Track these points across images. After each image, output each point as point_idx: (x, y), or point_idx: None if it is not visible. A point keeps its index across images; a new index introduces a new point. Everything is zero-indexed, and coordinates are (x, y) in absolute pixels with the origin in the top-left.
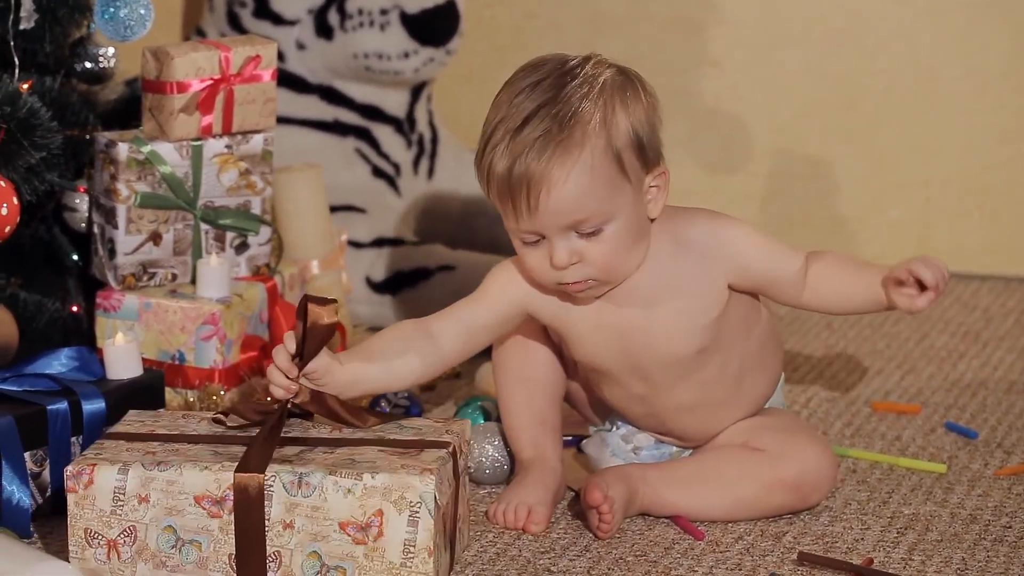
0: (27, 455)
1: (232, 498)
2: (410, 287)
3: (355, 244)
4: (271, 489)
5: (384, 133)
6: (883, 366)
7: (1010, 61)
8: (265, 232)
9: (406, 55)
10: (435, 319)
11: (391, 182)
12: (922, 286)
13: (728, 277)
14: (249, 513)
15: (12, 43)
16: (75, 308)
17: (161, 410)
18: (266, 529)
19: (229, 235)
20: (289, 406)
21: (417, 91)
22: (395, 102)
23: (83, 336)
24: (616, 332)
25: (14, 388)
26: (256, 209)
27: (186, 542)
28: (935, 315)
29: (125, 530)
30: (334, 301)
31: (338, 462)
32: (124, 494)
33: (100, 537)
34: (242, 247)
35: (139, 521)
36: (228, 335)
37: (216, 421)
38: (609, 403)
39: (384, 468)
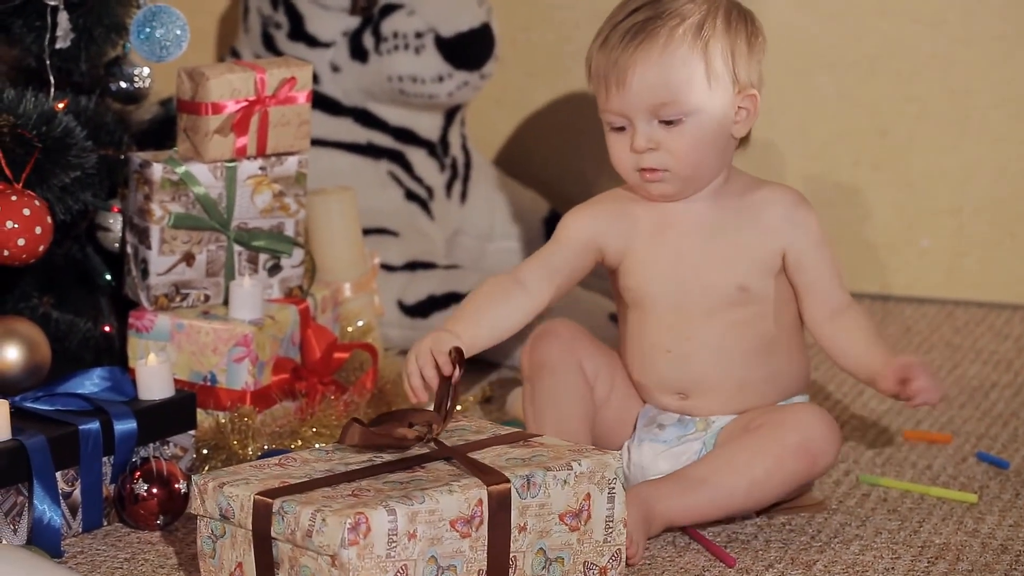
0: (58, 475)
1: (480, 515)
2: (442, 311)
3: (387, 267)
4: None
5: (417, 156)
6: None
7: None
8: (298, 254)
9: (440, 79)
10: (521, 268)
11: (424, 205)
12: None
13: (784, 250)
14: (499, 524)
15: (48, 62)
16: (107, 328)
17: (277, 457)
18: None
19: (262, 257)
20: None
21: (451, 114)
22: (429, 125)
23: (115, 356)
24: (674, 256)
25: (46, 408)
26: (289, 231)
27: (444, 568)
28: (967, 344)
29: (398, 571)
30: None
31: (534, 459)
32: (397, 535)
33: None
34: (275, 269)
35: (409, 559)
36: (260, 357)
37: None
38: (640, 351)
39: (569, 455)
